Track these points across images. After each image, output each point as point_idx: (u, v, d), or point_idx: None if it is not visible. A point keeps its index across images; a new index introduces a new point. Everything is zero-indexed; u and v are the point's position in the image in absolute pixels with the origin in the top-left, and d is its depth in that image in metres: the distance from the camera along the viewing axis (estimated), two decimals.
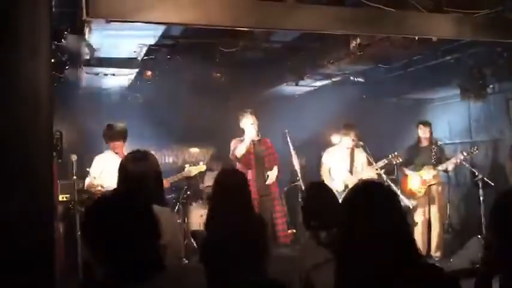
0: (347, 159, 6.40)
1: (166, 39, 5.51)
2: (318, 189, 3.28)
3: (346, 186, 6.26)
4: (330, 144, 6.72)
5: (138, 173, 2.61)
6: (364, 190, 1.83)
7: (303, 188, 5.40)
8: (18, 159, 2.62)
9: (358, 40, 5.17)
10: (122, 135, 5.53)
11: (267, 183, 5.91)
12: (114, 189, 2.83)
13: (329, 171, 6.42)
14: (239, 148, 5.79)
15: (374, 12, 4.05)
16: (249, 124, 5.85)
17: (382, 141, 7.00)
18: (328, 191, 3.25)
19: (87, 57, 5.27)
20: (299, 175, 5.47)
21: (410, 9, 4.18)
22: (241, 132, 5.97)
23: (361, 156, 6.39)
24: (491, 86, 6.75)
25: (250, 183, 5.60)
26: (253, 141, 5.88)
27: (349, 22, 4.02)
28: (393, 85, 7.61)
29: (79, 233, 5.29)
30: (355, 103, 7.75)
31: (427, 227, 6.71)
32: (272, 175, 5.91)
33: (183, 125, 7.84)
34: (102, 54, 5.17)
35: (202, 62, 6.48)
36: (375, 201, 1.73)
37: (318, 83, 7.33)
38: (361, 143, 6.27)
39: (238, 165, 5.87)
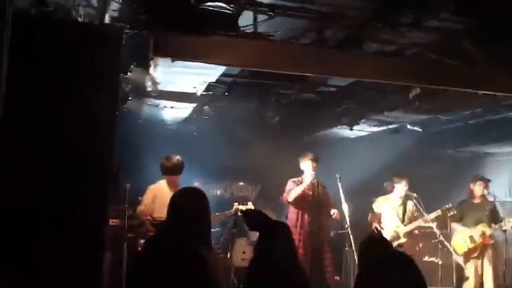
0: (399, 208, 6.24)
1: (225, 77, 5.65)
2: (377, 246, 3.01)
3: (397, 236, 6.08)
4: (381, 191, 6.57)
5: (188, 212, 2.62)
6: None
7: (351, 236, 5.26)
8: (73, 192, 2.74)
9: (418, 90, 5.10)
10: (179, 169, 5.61)
11: (333, 217, 5.72)
12: (163, 224, 2.86)
13: (379, 219, 6.28)
14: (295, 191, 5.69)
15: (434, 65, 3.99)
16: (309, 169, 5.78)
17: (435, 193, 6.77)
18: (387, 246, 3.06)
19: (150, 89, 5.47)
20: (347, 222, 5.34)
21: (472, 63, 4.10)
22: (295, 173, 5.91)
23: (412, 207, 6.21)
24: None
25: (304, 225, 5.58)
26: (312, 183, 5.77)
27: (408, 73, 3.98)
28: (452, 136, 7.41)
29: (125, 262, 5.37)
30: (410, 152, 7.57)
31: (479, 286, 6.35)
32: (337, 215, 5.69)
33: (233, 160, 7.92)
34: (163, 87, 5.36)
35: (258, 100, 6.58)
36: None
37: (373, 129, 7.24)
38: (414, 194, 6.10)
39: (290, 207, 5.79)
